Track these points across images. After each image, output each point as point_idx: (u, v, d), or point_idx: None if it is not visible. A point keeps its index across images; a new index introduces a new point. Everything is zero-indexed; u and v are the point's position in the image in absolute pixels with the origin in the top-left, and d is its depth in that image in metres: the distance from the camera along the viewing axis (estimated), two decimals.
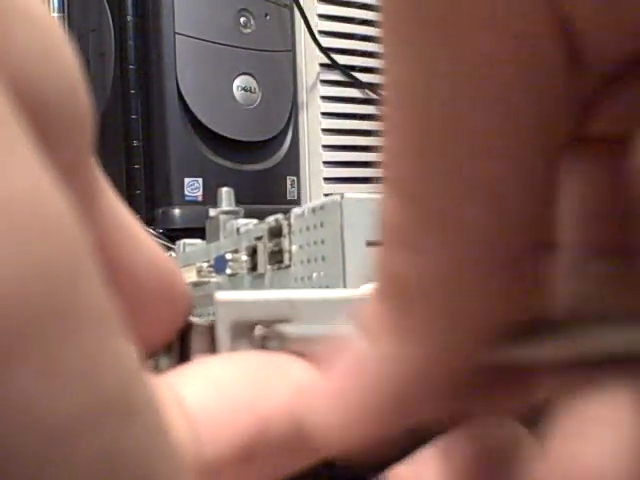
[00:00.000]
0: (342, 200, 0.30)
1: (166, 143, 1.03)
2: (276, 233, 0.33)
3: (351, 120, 1.23)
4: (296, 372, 0.17)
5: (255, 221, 0.39)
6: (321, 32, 1.20)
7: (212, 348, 0.19)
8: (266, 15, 1.12)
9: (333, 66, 1.20)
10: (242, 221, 0.41)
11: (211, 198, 1.05)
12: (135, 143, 1.03)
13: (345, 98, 1.22)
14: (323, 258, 0.31)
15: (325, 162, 1.20)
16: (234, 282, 0.37)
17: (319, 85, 1.20)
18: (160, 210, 1.03)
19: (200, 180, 1.04)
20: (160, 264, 0.18)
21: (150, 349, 0.17)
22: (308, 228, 0.32)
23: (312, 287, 0.31)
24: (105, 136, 1.08)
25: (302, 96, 1.18)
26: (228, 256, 0.36)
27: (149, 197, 1.04)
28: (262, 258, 0.34)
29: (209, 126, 1.05)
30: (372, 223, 0.28)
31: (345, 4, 1.24)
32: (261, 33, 1.11)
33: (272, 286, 0.34)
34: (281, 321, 0.19)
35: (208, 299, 0.44)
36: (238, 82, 1.08)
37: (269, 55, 1.12)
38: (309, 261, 0.32)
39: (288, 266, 0.33)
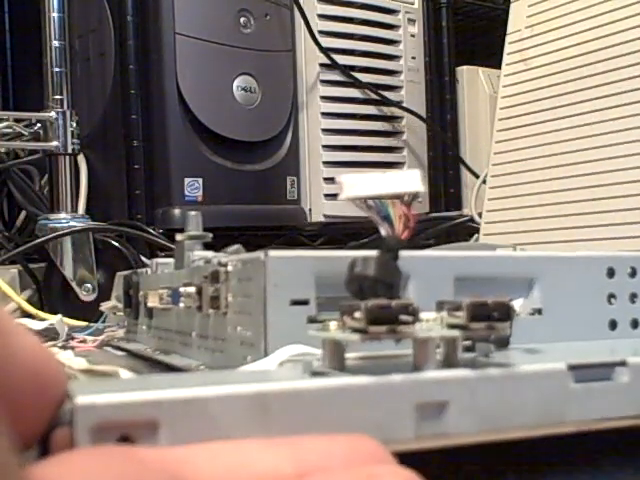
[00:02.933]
0: (266, 258, 0.29)
1: (166, 143, 1.03)
2: (215, 278, 0.34)
3: (351, 120, 1.23)
4: None
5: (210, 254, 0.39)
6: (321, 32, 1.20)
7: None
8: (266, 15, 1.12)
9: (333, 66, 1.20)
10: (198, 254, 0.41)
11: (211, 198, 1.05)
12: (135, 143, 1.03)
13: (345, 98, 1.22)
14: (249, 313, 0.31)
15: (325, 162, 1.20)
16: (188, 314, 0.37)
17: (319, 85, 1.20)
18: (160, 210, 1.03)
19: (200, 180, 1.04)
20: (37, 368, 0.18)
21: (24, 443, 0.18)
22: (240, 280, 0.32)
23: (240, 340, 0.32)
24: (105, 136, 1.09)
25: (302, 96, 1.18)
26: (182, 290, 0.36)
27: (149, 197, 1.04)
28: (206, 299, 0.34)
29: (209, 126, 1.05)
30: (298, 281, 0.28)
31: (345, 4, 1.24)
32: (261, 33, 1.11)
33: (214, 329, 0.35)
34: (147, 424, 0.18)
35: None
36: (238, 82, 1.08)
37: (269, 55, 1.13)
38: (240, 313, 0.32)
39: (225, 313, 0.33)
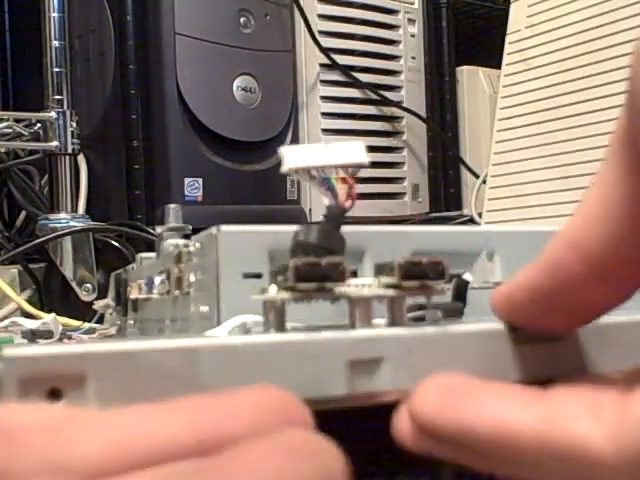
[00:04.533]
0: (218, 232, 0.30)
1: (166, 143, 1.03)
2: (179, 259, 0.34)
3: (351, 120, 1.23)
4: None
5: (183, 242, 0.39)
6: (321, 32, 1.20)
7: None
8: (266, 15, 1.12)
9: (333, 66, 1.20)
10: (171, 241, 0.41)
11: (211, 198, 1.05)
12: (135, 143, 1.03)
13: (345, 98, 1.22)
14: (205, 289, 0.31)
15: None
16: (162, 301, 0.38)
17: (319, 85, 1.20)
18: (160, 210, 1.03)
19: (200, 180, 1.04)
20: None
21: None
22: (199, 258, 0.32)
23: (199, 316, 0.32)
24: (105, 136, 1.09)
25: (302, 96, 1.18)
26: (156, 278, 0.37)
27: (149, 197, 1.04)
28: (172, 282, 0.35)
29: (209, 126, 1.05)
30: (250, 255, 0.29)
31: (345, 4, 1.24)
32: (261, 33, 1.11)
33: (181, 310, 0.35)
34: (74, 377, 0.18)
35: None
36: (238, 82, 1.08)
37: (269, 55, 1.12)
38: (199, 290, 0.32)
39: (187, 293, 0.33)
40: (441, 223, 1.22)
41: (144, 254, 0.50)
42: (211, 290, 0.30)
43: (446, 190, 1.40)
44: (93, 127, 1.09)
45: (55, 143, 0.97)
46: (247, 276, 0.30)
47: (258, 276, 0.30)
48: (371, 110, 1.25)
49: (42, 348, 0.19)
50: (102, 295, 0.90)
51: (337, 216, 0.26)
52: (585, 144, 0.65)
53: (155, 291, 0.37)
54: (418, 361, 0.23)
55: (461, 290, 0.29)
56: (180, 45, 1.04)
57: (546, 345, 0.24)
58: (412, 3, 1.32)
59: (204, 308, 0.31)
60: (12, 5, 1.29)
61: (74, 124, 0.98)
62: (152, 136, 1.04)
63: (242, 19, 1.09)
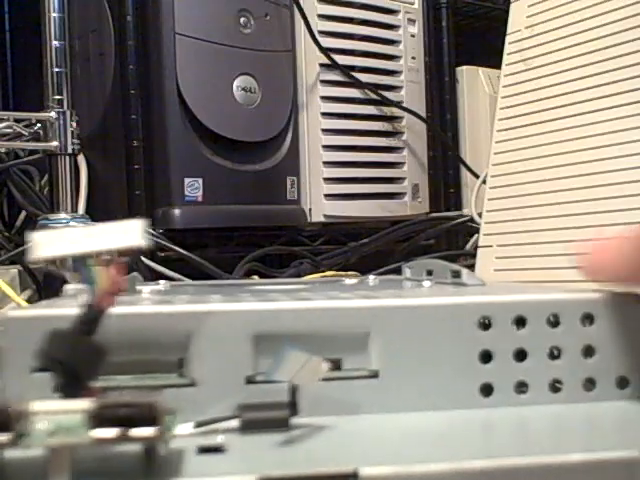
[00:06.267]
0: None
1: (166, 143, 1.03)
2: None
3: (351, 120, 1.23)
4: None
5: None
6: (321, 32, 1.20)
7: None
8: (266, 15, 1.12)
9: (333, 66, 1.20)
10: None
11: (211, 198, 1.05)
12: (135, 143, 1.03)
13: (345, 98, 1.22)
14: None
15: (325, 162, 1.20)
16: None
17: (319, 85, 1.20)
18: (160, 210, 1.03)
19: (200, 180, 1.04)
20: None
21: None
22: None
23: None
24: (105, 136, 1.08)
25: (302, 96, 1.18)
26: None
27: (149, 197, 1.03)
28: None
29: (209, 126, 1.05)
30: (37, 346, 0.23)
31: (345, 4, 1.24)
32: (261, 33, 1.11)
33: None
34: None
35: None
36: (238, 82, 1.08)
37: (269, 55, 1.12)
38: None
39: None
40: (441, 223, 1.22)
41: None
42: None
43: (446, 190, 1.40)
44: (93, 127, 1.09)
45: (55, 143, 0.96)
46: (37, 370, 0.26)
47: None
48: (371, 110, 1.25)
49: None
50: None
51: (90, 320, 0.22)
52: (586, 144, 0.65)
53: None
54: None
55: None
56: (180, 45, 1.04)
57: None
58: (412, 3, 1.32)
59: None
60: (12, 5, 1.29)
61: (74, 124, 0.98)
62: (152, 136, 1.04)
63: (242, 19, 1.09)
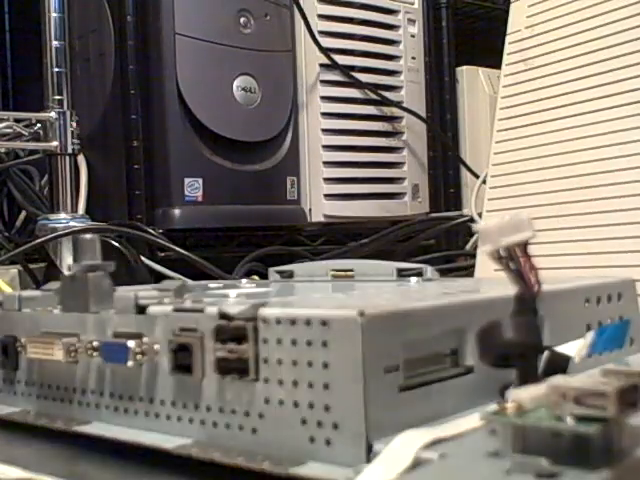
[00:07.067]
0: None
1: (166, 143, 1.03)
2: (243, 337, 0.29)
3: (351, 120, 1.23)
4: None
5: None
6: (321, 32, 1.20)
7: None
8: (266, 15, 1.12)
9: (333, 66, 1.20)
10: (145, 294, 0.34)
11: (211, 198, 1.05)
12: (135, 143, 1.03)
13: (345, 98, 1.22)
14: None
15: (325, 162, 1.20)
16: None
17: (319, 85, 1.20)
18: (160, 210, 1.03)
19: (200, 180, 1.04)
20: None
21: None
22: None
23: None
24: (105, 136, 1.08)
25: (302, 96, 1.18)
26: (130, 343, 0.32)
27: (149, 197, 1.03)
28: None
29: (209, 126, 1.05)
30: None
31: (345, 4, 1.24)
32: (261, 33, 1.11)
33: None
34: None
35: None
36: (238, 82, 1.08)
37: (269, 55, 1.12)
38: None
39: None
40: (441, 223, 1.22)
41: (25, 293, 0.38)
42: None
43: (446, 190, 1.40)
44: (93, 127, 1.09)
45: (55, 143, 0.96)
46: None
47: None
48: (371, 110, 1.25)
49: None
50: None
51: (531, 304, 0.24)
52: (586, 144, 0.65)
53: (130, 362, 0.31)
54: None
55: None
56: (180, 45, 1.04)
57: None
58: (412, 3, 1.32)
59: None
60: (12, 5, 1.29)
61: (74, 124, 0.98)
62: (152, 136, 1.04)
63: (242, 19, 1.09)
